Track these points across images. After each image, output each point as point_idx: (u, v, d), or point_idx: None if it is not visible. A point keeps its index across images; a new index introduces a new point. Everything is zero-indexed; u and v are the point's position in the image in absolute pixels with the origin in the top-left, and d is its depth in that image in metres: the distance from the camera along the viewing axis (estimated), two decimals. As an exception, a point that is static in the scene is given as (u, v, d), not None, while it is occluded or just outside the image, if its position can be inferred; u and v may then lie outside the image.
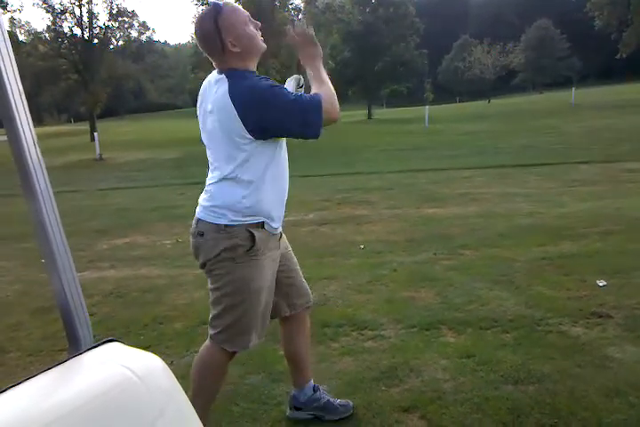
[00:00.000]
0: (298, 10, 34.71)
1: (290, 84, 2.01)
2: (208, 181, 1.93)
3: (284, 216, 2.03)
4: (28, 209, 0.97)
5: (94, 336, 1.04)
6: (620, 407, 2.17)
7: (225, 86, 1.77)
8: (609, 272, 3.75)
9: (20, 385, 0.82)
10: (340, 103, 1.84)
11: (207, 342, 2.01)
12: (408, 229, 5.67)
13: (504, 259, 4.28)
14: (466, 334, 2.96)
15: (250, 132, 1.75)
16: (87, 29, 36.16)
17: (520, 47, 65.71)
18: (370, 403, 2.33)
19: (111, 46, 39.60)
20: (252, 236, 1.84)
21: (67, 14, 35.94)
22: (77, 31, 36.37)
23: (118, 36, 39.73)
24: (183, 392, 0.91)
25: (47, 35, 37.15)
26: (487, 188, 8.04)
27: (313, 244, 5.24)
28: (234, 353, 2.00)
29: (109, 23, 37.74)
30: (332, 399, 2.28)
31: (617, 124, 17.77)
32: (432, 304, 3.43)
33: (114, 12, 37.55)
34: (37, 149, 0.96)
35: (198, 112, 1.95)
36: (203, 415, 1.46)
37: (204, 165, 1.99)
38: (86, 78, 35.67)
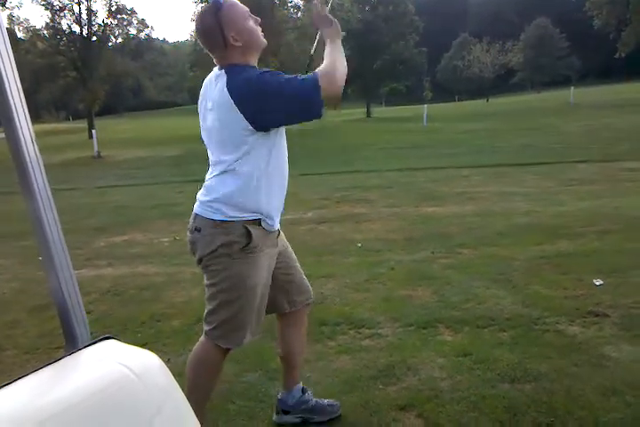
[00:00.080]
0: (297, 8, 34.68)
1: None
2: (207, 177, 1.93)
3: (283, 214, 2.03)
4: (26, 207, 0.97)
5: (91, 334, 1.04)
6: (616, 406, 2.17)
7: (224, 81, 1.78)
8: (606, 271, 3.76)
9: (16, 383, 0.83)
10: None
11: (202, 338, 2.01)
12: (406, 227, 5.67)
13: (502, 258, 4.29)
14: (463, 332, 2.96)
15: (251, 123, 1.75)
16: (86, 27, 36.11)
17: (519, 46, 65.69)
18: (367, 401, 2.33)
19: (110, 44, 39.60)
20: (249, 232, 1.84)
21: (65, 11, 35.98)
22: (76, 28, 36.40)
23: (117, 33, 39.81)
24: (180, 390, 0.91)
25: (46, 32, 37.10)
26: (485, 186, 8.05)
27: (311, 242, 5.24)
28: (228, 350, 2.00)
29: (108, 20, 37.79)
30: (319, 400, 2.27)
31: (615, 123, 17.78)
32: (429, 303, 3.43)
33: (113, 9, 37.59)
34: (35, 146, 0.96)
35: (199, 110, 1.95)
36: (199, 413, 1.46)
37: (204, 162, 2.00)
38: (85, 76, 35.60)
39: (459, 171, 9.95)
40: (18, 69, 0.93)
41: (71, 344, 1.01)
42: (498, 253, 4.42)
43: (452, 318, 3.14)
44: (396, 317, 3.23)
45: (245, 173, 1.82)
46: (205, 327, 1.97)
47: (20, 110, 0.93)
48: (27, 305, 3.94)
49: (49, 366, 0.88)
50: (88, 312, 2.60)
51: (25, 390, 0.82)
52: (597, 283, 3.56)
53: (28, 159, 0.95)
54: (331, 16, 1.96)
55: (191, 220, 1.93)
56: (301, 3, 34.72)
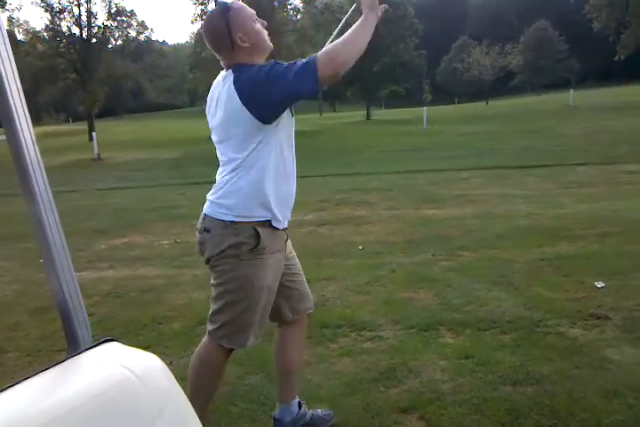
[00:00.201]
0: (297, 10, 34.74)
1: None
2: (217, 177, 1.93)
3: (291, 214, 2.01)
4: (27, 209, 0.97)
5: (93, 336, 1.03)
6: (618, 408, 2.17)
7: (230, 79, 1.80)
8: (607, 274, 3.76)
9: (18, 385, 0.82)
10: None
11: (205, 339, 2.01)
12: (407, 229, 5.67)
13: (502, 260, 4.29)
14: (464, 335, 2.96)
15: (258, 118, 1.75)
16: (86, 29, 36.15)
17: (519, 48, 65.78)
18: (368, 404, 2.33)
19: (110, 46, 39.62)
20: (257, 234, 1.84)
21: (65, 13, 35.98)
22: (76, 30, 36.43)
23: (117, 35, 39.78)
24: (182, 392, 0.90)
25: (46, 34, 37.14)
26: (485, 189, 8.05)
27: (312, 244, 5.23)
28: (231, 351, 1.99)
29: (108, 22, 37.82)
30: (314, 412, 2.23)
31: (615, 126, 17.80)
32: (431, 305, 3.43)
33: (112, 11, 37.61)
34: (36, 148, 0.96)
35: (207, 111, 1.96)
36: (201, 415, 1.45)
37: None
38: (85, 78, 35.64)
39: (458, 173, 9.96)
40: (18, 71, 0.93)
41: (73, 347, 1.01)
42: (498, 256, 4.42)
43: (454, 321, 3.13)
44: (397, 319, 3.22)
45: (255, 172, 1.82)
46: (209, 327, 1.97)
47: (20, 112, 0.93)
48: (28, 307, 3.94)
49: (51, 369, 0.88)
50: (90, 314, 2.60)
51: (27, 392, 0.82)
52: (599, 285, 3.55)
53: (28, 161, 0.94)
54: None
55: (200, 220, 1.94)
56: (301, 5, 34.82)
